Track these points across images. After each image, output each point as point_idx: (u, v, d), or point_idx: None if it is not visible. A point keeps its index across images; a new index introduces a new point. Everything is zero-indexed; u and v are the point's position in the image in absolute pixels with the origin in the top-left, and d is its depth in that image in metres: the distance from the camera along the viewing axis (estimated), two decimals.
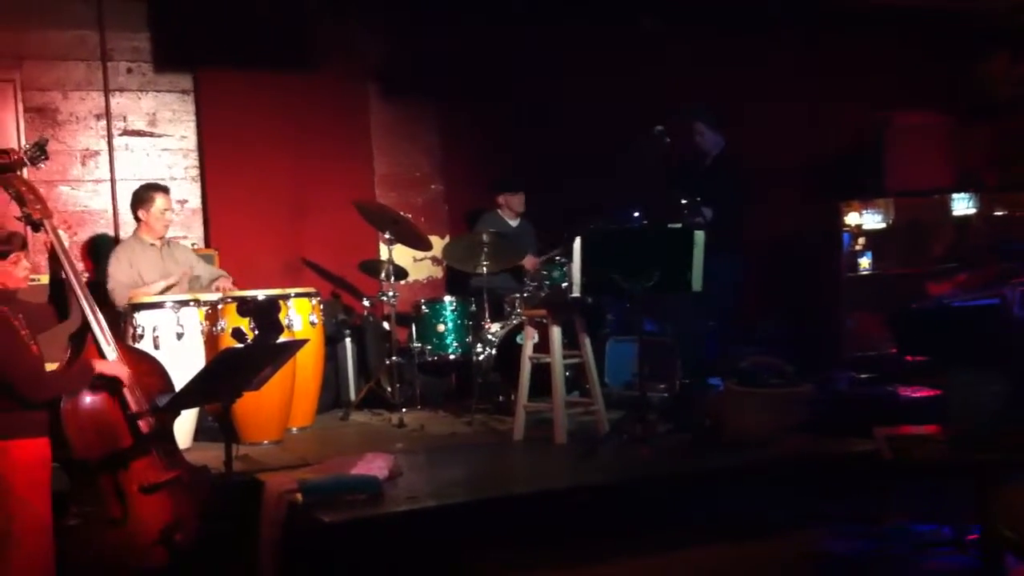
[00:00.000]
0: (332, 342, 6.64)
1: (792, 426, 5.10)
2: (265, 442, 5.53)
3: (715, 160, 6.56)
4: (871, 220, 7.56)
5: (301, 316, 5.82)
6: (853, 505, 4.94)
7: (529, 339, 5.56)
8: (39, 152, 4.70)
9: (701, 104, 6.59)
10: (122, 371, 3.97)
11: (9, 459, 3.68)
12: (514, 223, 7.23)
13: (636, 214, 5.83)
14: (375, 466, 4.49)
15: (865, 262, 7.55)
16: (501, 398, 6.37)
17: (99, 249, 6.54)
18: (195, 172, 7.07)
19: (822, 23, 7.81)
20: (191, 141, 7.06)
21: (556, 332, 5.39)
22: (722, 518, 4.45)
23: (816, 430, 5.17)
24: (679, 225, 5.47)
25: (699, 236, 5.17)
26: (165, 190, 6.04)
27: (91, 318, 4.02)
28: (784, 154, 7.53)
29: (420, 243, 6.75)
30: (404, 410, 6.20)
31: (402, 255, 6.86)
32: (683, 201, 5.99)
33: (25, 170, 4.44)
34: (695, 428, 5.21)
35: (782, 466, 4.82)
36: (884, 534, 4.85)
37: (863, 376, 6.56)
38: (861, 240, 7.55)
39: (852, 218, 7.54)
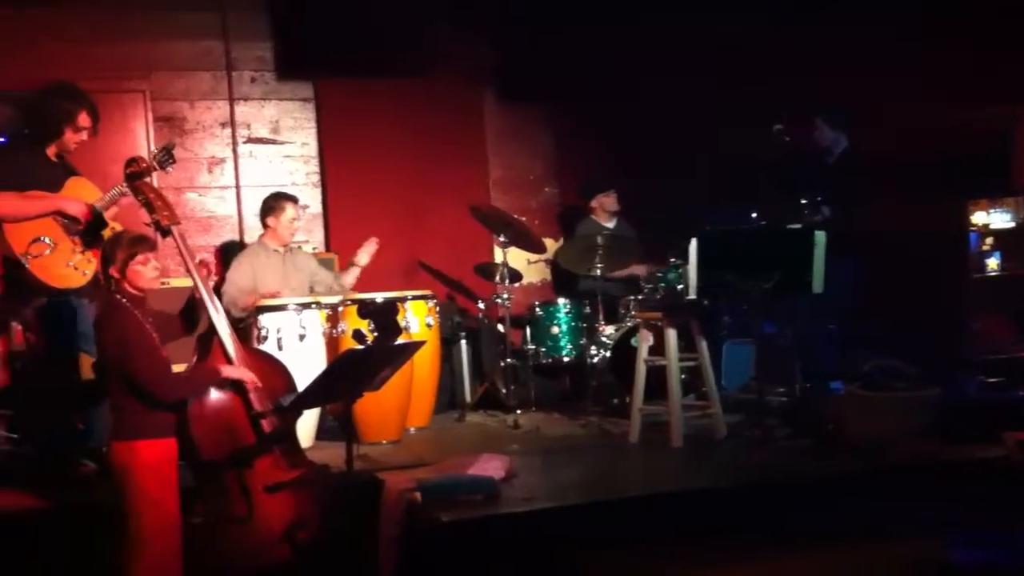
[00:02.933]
0: (448, 344, 6.71)
1: (916, 431, 4.95)
2: (384, 442, 5.62)
3: (836, 159, 6.42)
4: (999, 219, 7.27)
5: (418, 318, 5.90)
6: (982, 513, 4.76)
7: (644, 342, 5.53)
8: (167, 156, 4.89)
9: (822, 103, 6.45)
10: (246, 374, 4.07)
11: (139, 458, 3.79)
12: (610, 224, 7.18)
13: (754, 215, 5.74)
14: (491, 467, 4.52)
15: (993, 263, 7.26)
16: (616, 401, 6.35)
17: (225, 254, 6.76)
18: (316, 178, 7.24)
19: (940, 17, 7.55)
20: (312, 148, 7.24)
21: (672, 335, 5.35)
22: (842, 524, 4.34)
23: (941, 435, 5.01)
24: (799, 225, 5.36)
25: (820, 236, 5.06)
26: (294, 199, 6.21)
27: (217, 321, 4.13)
28: (907, 152, 7.30)
29: (534, 246, 6.78)
30: (519, 412, 6.23)
31: (516, 258, 6.89)
32: (803, 201, 5.87)
33: (155, 176, 4.61)
34: (816, 432, 5.10)
35: (905, 472, 4.68)
36: (1015, 543, 4.67)
37: (991, 380, 6.32)
38: (989, 240, 7.26)
39: (979, 217, 7.27)
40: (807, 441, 5.09)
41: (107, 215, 4.77)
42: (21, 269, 4.64)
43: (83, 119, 4.85)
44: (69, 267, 4.68)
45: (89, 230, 4.66)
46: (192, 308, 4.20)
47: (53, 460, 4.93)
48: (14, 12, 6.44)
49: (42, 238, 4.65)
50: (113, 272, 3.87)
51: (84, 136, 4.91)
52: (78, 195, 4.78)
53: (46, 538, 4.27)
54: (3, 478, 4.83)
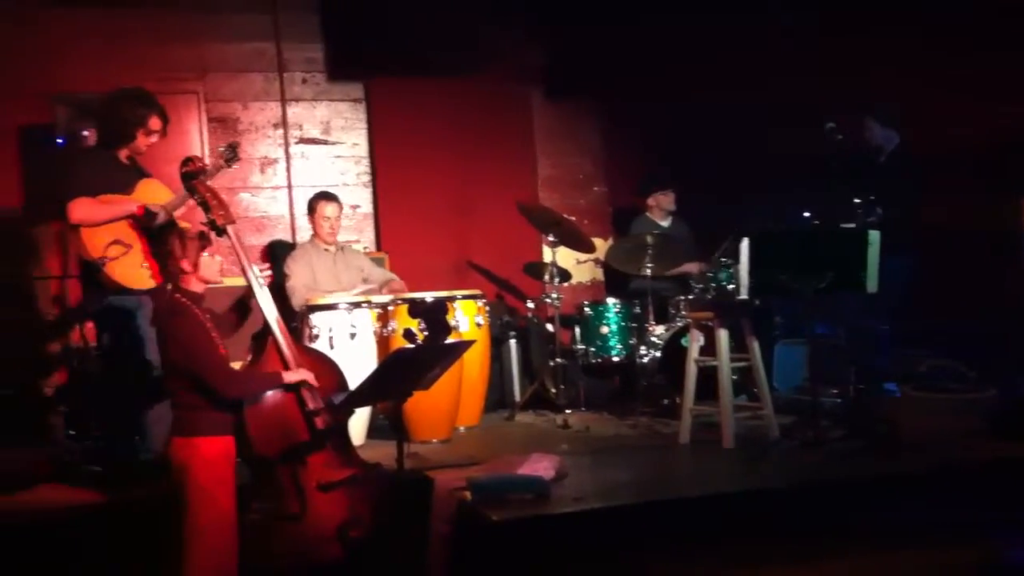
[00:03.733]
0: (497, 343, 6.72)
1: (973, 432, 4.87)
2: (434, 440, 5.64)
3: (889, 157, 6.33)
4: None
5: (468, 317, 5.92)
6: None
7: (695, 342, 5.49)
8: (232, 154, 5.00)
9: (875, 100, 6.37)
10: (306, 375, 4.13)
11: (198, 455, 3.85)
12: (665, 223, 7.15)
13: (806, 214, 5.68)
14: (541, 466, 4.51)
15: None
16: (666, 401, 6.32)
17: (278, 253, 6.83)
18: (367, 178, 7.30)
19: (991, 9, 7.42)
20: (362, 148, 7.30)
21: (723, 335, 5.31)
22: (897, 526, 4.28)
23: (999, 436, 4.93)
24: (852, 224, 5.30)
25: (874, 235, 5.00)
26: (330, 197, 6.25)
27: (272, 321, 4.18)
28: (962, 148, 7.19)
29: (583, 245, 6.76)
30: (568, 411, 6.22)
31: (565, 257, 6.89)
32: (856, 200, 5.80)
33: (214, 176, 4.67)
34: (870, 434, 5.04)
35: (961, 473, 4.61)
36: None
37: None
38: None
39: None
40: (861, 442, 5.03)
41: (177, 215, 4.86)
42: (98, 272, 4.78)
43: (154, 122, 4.99)
44: (143, 268, 4.79)
45: (158, 231, 4.75)
46: (243, 302, 4.25)
47: (111, 457, 5.02)
48: (71, 16, 6.55)
49: (119, 241, 4.78)
50: (186, 266, 3.92)
51: (155, 139, 5.05)
52: (149, 197, 4.88)
53: (105, 533, 4.35)
54: (62, 474, 4.93)
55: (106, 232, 4.80)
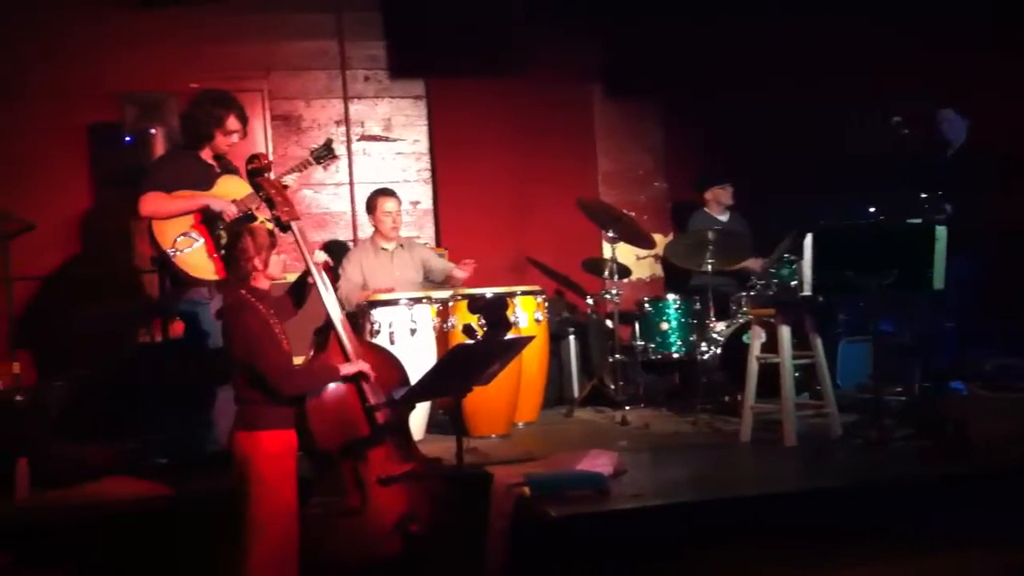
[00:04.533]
0: (556, 339, 6.71)
1: None
2: (493, 436, 5.66)
3: (956, 152, 6.21)
4: None
5: (527, 313, 5.92)
6: None
7: (756, 339, 5.44)
8: (326, 152, 5.15)
9: (944, 96, 6.25)
10: (363, 367, 4.15)
11: (260, 449, 3.89)
12: (723, 217, 7.09)
13: (871, 209, 5.60)
14: (600, 463, 4.50)
15: None
16: (726, 398, 6.27)
17: (339, 249, 6.89)
18: (427, 174, 7.34)
19: None
20: (423, 144, 7.34)
21: (785, 332, 5.25)
22: (964, 527, 4.21)
23: None
24: (918, 220, 5.21)
25: (940, 232, 4.92)
26: (390, 194, 6.29)
27: (335, 316, 4.21)
28: None
29: (643, 241, 6.73)
30: (627, 408, 6.20)
31: (625, 253, 6.86)
32: (923, 195, 5.70)
33: (271, 174, 4.73)
34: (936, 433, 4.95)
35: None
36: None
37: None
38: None
39: None
40: (927, 442, 4.96)
41: (255, 210, 4.94)
42: (169, 262, 4.91)
43: (232, 123, 5.12)
44: (211, 261, 4.88)
45: (230, 227, 4.83)
46: (299, 285, 4.30)
47: (178, 449, 5.12)
48: (137, 14, 6.67)
49: (188, 234, 4.91)
50: (258, 264, 3.97)
51: (234, 139, 5.19)
52: (226, 193, 4.99)
53: (172, 525, 4.43)
54: (129, 466, 5.04)
55: (175, 225, 4.92)
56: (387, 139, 7.27)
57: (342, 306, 5.79)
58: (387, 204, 6.22)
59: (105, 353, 6.30)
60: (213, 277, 4.78)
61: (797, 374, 5.50)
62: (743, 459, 5.25)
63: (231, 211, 4.86)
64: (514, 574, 4.16)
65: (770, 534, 4.09)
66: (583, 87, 7.56)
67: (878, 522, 4.22)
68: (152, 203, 4.94)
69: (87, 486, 4.78)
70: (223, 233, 4.62)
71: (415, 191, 7.24)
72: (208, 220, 4.90)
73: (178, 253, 4.88)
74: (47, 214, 6.49)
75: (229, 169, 5.18)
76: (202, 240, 4.92)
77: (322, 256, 4.38)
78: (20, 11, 6.55)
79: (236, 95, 5.33)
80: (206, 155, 5.17)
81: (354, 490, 4.06)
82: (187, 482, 4.73)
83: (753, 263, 6.64)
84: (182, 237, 4.89)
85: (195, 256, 4.90)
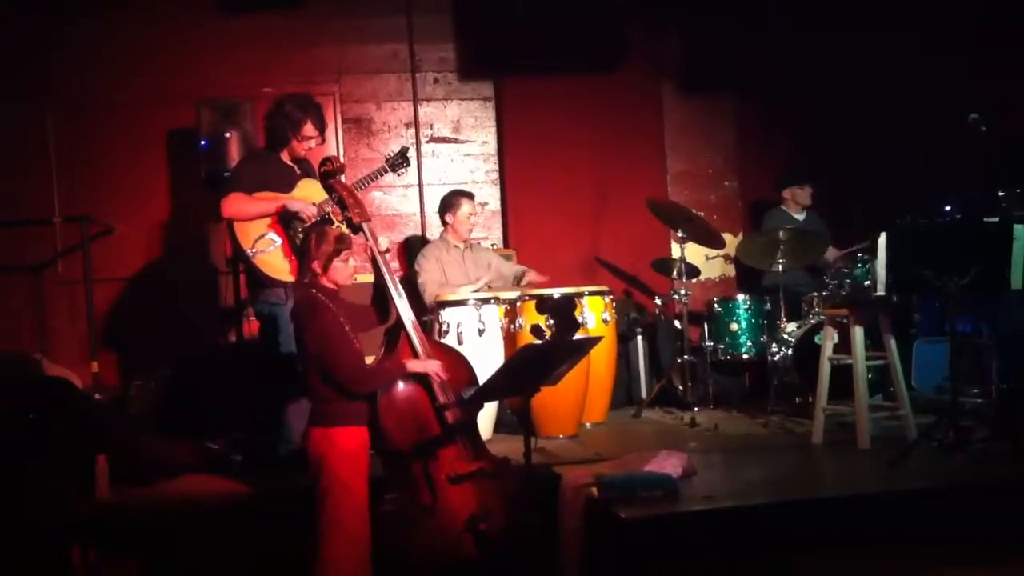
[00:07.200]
0: (624, 340, 6.70)
1: None
2: (561, 436, 5.66)
3: None
4: None
5: (595, 314, 5.92)
6: None
7: (829, 339, 5.37)
8: (401, 159, 5.20)
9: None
10: (433, 366, 4.19)
11: (334, 446, 3.95)
12: (800, 217, 7.00)
13: (948, 207, 5.49)
14: (669, 464, 4.48)
15: None
16: (798, 400, 6.20)
17: (409, 250, 6.96)
18: (495, 176, 7.37)
19: None
20: (491, 146, 7.37)
21: (858, 332, 5.18)
22: None
23: None
24: (996, 219, 5.10)
25: (1019, 230, 4.79)
26: (470, 196, 6.35)
27: (405, 316, 4.26)
28: None
29: (713, 241, 6.68)
30: (696, 409, 6.16)
31: (694, 253, 6.81)
32: (1001, 193, 5.57)
33: (343, 176, 4.79)
34: (1016, 436, 4.83)
35: None
36: None
37: None
38: None
39: None
40: (1007, 445, 4.83)
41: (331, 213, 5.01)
42: (249, 263, 5.01)
43: (308, 129, 5.16)
44: (287, 261, 4.97)
45: (311, 227, 4.90)
46: (381, 296, 4.34)
47: (254, 448, 5.22)
48: (213, 22, 6.81)
49: (267, 235, 4.99)
50: (316, 267, 4.04)
51: (312, 144, 5.23)
52: (307, 196, 5.06)
53: (245, 522, 4.51)
54: (207, 465, 5.15)
55: (256, 226, 5.00)
56: (456, 140, 7.32)
57: (422, 301, 5.89)
58: (468, 205, 6.28)
59: (184, 353, 6.44)
60: (289, 278, 4.86)
61: (871, 375, 5.42)
62: (816, 461, 5.19)
63: (309, 212, 4.92)
64: (591, 574, 4.16)
65: (845, 536, 4.04)
66: (653, 86, 7.52)
67: (956, 526, 4.14)
68: (234, 204, 5.02)
69: (166, 483, 4.89)
70: (299, 234, 4.72)
71: (483, 192, 7.27)
72: (284, 220, 4.97)
73: (258, 253, 4.96)
74: (127, 218, 6.68)
75: (310, 173, 5.25)
76: (280, 240, 4.99)
77: (386, 242, 4.43)
78: (110, 20, 6.71)
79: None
80: (285, 158, 5.24)
81: (425, 488, 4.10)
82: (263, 481, 4.81)
83: (830, 253, 6.55)
84: (262, 238, 4.97)
85: (274, 256, 4.98)
